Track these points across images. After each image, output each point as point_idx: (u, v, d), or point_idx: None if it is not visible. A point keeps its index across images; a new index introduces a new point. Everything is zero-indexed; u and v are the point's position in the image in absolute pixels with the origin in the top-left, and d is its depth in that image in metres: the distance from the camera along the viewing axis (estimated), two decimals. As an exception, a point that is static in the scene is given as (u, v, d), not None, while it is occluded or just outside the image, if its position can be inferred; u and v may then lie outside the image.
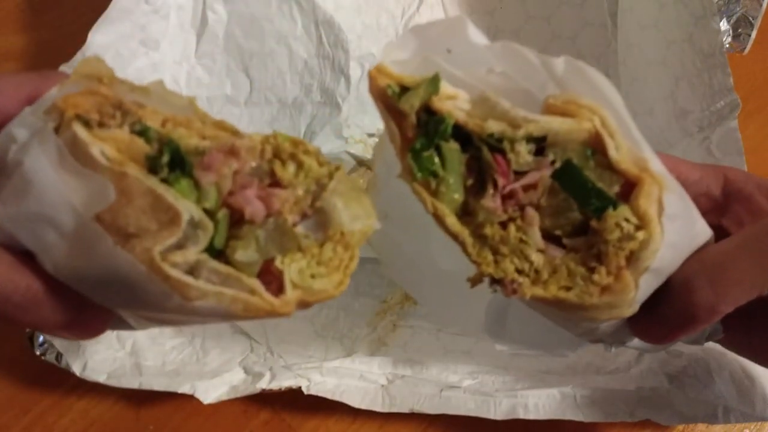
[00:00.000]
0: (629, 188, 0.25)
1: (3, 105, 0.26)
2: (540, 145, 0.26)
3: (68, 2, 0.47)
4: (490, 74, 0.27)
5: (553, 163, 0.26)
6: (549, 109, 0.26)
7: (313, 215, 0.26)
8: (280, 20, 0.54)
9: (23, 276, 0.25)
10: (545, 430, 0.43)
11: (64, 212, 0.24)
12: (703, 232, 0.29)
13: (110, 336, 0.44)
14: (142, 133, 0.25)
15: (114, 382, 0.41)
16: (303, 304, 0.26)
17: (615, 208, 0.25)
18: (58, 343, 0.41)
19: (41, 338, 0.41)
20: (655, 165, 0.26)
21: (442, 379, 0.44)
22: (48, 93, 0.26)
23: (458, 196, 0.27)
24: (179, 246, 0.24)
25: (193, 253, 0.24)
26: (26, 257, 0.25)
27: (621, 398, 0.41)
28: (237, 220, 0.25)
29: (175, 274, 0.23)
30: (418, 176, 0.26)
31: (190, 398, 0.43)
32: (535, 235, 0.26)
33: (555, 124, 0.25)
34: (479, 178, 0.27)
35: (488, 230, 0.26)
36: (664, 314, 0.28)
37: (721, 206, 0.32)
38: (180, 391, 0.41)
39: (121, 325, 0.28)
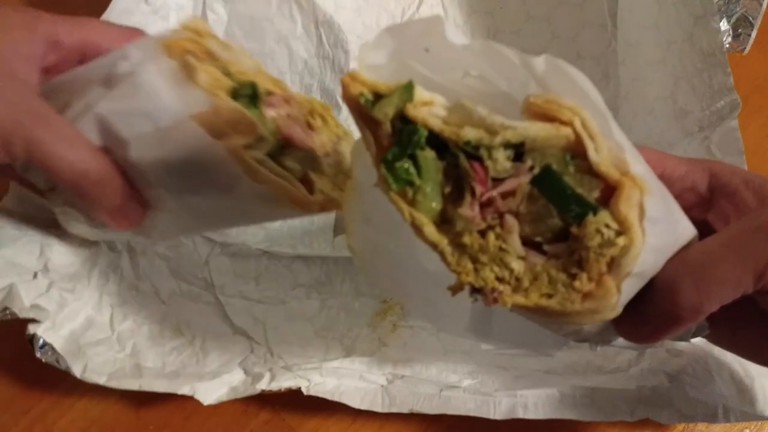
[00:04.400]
0: (610, 192, 0.25)
1: (109, 47, 0.37)
2: (519, 150, 0.25)
3: (69, 3, 0.47)
4: (467, 78, 0.27)
5: (531, 169, 0.25)
6: (529, 109, 0.25)
7: (332, 155, 0.37)
8: (280, 20, 0.54)
9: (103, 161, 0.34)
10: (546, 430, 0.43)
11: (164, 111, 0.33)
12: (686, 231, 0.29)
13: (111, 338, 0.44)
14: (227, 74, 0.34)
15: (114, 384, 0.41)
16: (322, 208, 0.36)
17: (595, 213, 0.24)
18: (59, 346, 0.41)
19: (42, 340, 0.40)
20: (637, 167, 0.25)
21: (441, 379, 0.43)
22: (156, 33, 0.35)
23: (436, 205, 0.26)
24: (249, 147, 0.33)
25: (260, 153, 0.34)
26: (104, 151, 0.35)
27: (621, 397, 0.41)
28: (285, 146, 0.35)
29: (250, 159, 0.33)
30: (393, 187, 0.26)
31: (190, 398, 0.43)
32: (515, 243, 0.26)
33: (533, 130, 0.25)
34: (457, 185, 0.26)
35: (467, 239, 0.26)
36: (649, 315, 0.28)
37: (707, 201, 0.32)
38: (180, 392, 0.41)
39: (146, 231, 0.39)
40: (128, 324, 0.46)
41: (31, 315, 0.40)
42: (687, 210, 0.29)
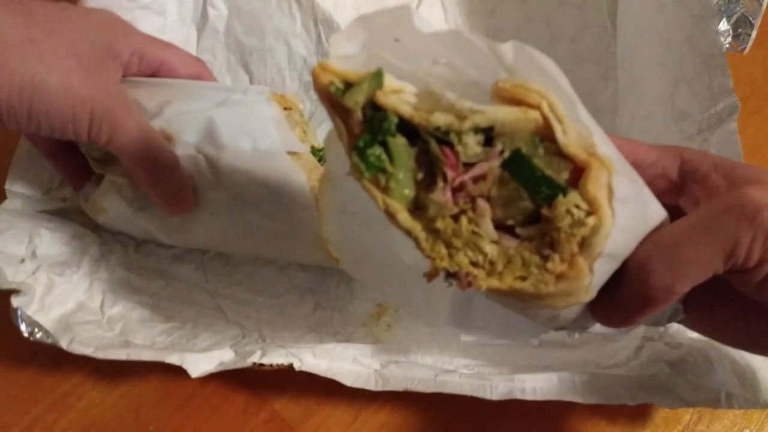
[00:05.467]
0: (579, 173, 0.25)
1: (182, 72, 0.45)
2: (489, 135, 0.26)
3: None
4: (436, 65, 0.27)
5: (501, 152, 0.26)
6: (498, 93, 0.26)
7: None
8: (280, 17, 0.55)
9: (171, 150, 0.41)
10: (547, 428, 0.44)
11: (267, 139, 0.42)
12: (657, 213, 0.29)
13: (101, 320, 0.45)
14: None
15: (101, 354, 0.41)
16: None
17: (565, 194, 0.25)
18: (47, 322, 0.42)
19: (28, 318, 0.41)
20: (604, 149, 0.25)
21: (437, 366, 0.43)
22: (265, 87, 0.46)
23: (409, 191, 0.26)
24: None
25: None
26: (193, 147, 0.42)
27: (621, 383, 0.41)
28: None
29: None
30: (365, 174, 0.26)
31: (190, 398, 0.45)
32: (488, 227, 0.26)
33: (501, 114, 0.25)
34: (429, 171, 0.26)
35: (440, 224, 0.26)
36: (622, 298, 0.28)
37: (678, 187, 0.33)
38: (168, 360, 0.41)
39: (174, 230, 0.46)
40: (118, 309, 0.46)
41: (13, 287, 0.41)
42: (659, 196, 0.30)
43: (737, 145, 0.43)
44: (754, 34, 0.47)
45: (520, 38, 0.56)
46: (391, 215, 0.26)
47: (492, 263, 0.26)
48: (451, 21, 0.58)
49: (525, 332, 0.35)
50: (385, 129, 0.26)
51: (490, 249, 0.26)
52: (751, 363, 0.41)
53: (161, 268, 0.50)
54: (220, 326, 0.47)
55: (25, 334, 0.41)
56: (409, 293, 0.35)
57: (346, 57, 0.27)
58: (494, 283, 0.26)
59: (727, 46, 0.46)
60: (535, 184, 0.25)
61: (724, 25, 0.46)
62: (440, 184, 0.26)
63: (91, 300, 0.46)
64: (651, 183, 0.30)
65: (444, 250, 0.26)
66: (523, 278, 0.26)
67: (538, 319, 0.31)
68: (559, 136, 0.25)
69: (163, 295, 0.48)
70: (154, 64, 0.44)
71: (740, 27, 0.47)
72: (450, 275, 0.26)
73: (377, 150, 0.26)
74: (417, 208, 0.27)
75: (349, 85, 0.26)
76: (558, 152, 0.25)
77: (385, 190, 0.26)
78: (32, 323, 0.41)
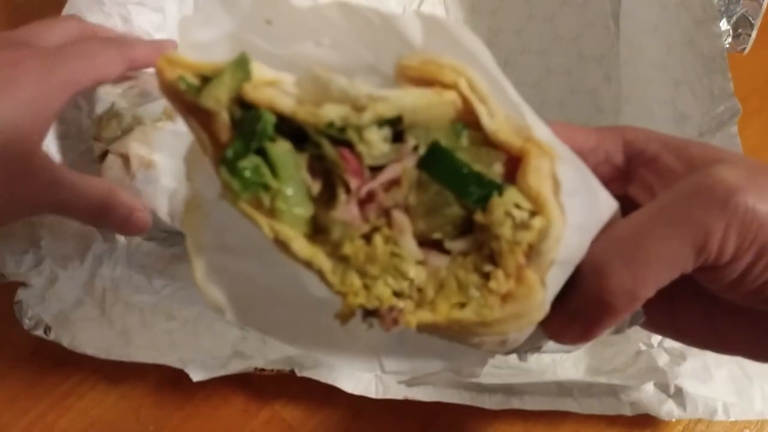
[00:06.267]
0: (515, 166, 0.20)
1: (110, 76, 0.41)
2: (397, 128, 0.20)
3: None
4: (319, 47, 0.21)
5: (416, 149, 0.20)
6: (404, 74, 0.20)
7: None
8: (281, 15, 0.55)
9: (103, 191, 0.40)
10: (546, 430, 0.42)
11: None
12: (607, 205, 0.24)
13: (101, 318, 0.44)
14: None
15: (103, 355, 0.41)
16: None
17: (501, 193, 0.20)
18: (47, 317, 0.41)
19: (29, 312, 0.41)
20: (541, 132, 0.20)
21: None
22: None
23: (303, 211, 0.20)
24: None
25: None
26: None
27: (620, 392, 0.40)
28: None
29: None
30: (241, 194, 0.19)
31: (190, 398, 0.43)
32: (409, 244, 0.20)
33: (409, 98, 0.19)
34: (328, 182, 0.20)
35: (349, 248, 0.20)
36: (578, 309, 0.24)
37: (625, 173, 0.28)
38: (170, 364, 0.41)
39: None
40: (119, 307, 0.44)
41: (16, 279, 0.41)
42: (604, 185, 0.25)
43: (738, 148, 0.40)
44: (754, 34, 0.47)
45: (523, 37, 0.57)
46: (282, 245, 0.20)
47: (420, 290, 0.21)
48: (453, 20, 0.58)
49: (471, 362, 0.30)
50: (261, 132, 0.19)
51: (416, 272, 0.20)
52: (749, 372, 0.40)
53: (161, 267, 0.48)
54: (221, 327, 0.46)
55: (26, 328, 0.41)
56: (326, 335, 0.28)
57: (202, 45, 0.21)
58: (426, 316, 0.21)
59: (727, 46, 0.45)
60: (463, 184, 0.20)
61: (724, 26, 0.45)
62: (342, 197, 0.20)
63: (92, 296, 0.44)
64: (593, 172, 0.25)
65: (358, 282, 0.20)
66: (462, 305, 0.21)
67: (483, 347, 0.25)
68: (485, 120, 0.20)
69: (163, 294, 0.46)
70: (90, 87, 0.42)
71: (740, 27, 0.46)
72: (369, 314, 0.21)
73: (253, 160, 0.19)
74: (317, 231, 0.21)
75: (206, 81, 0.20)
76: (486, 141, 0.20)
77: (270, 213, 0.20)
78: (33, 317, 0.41)
